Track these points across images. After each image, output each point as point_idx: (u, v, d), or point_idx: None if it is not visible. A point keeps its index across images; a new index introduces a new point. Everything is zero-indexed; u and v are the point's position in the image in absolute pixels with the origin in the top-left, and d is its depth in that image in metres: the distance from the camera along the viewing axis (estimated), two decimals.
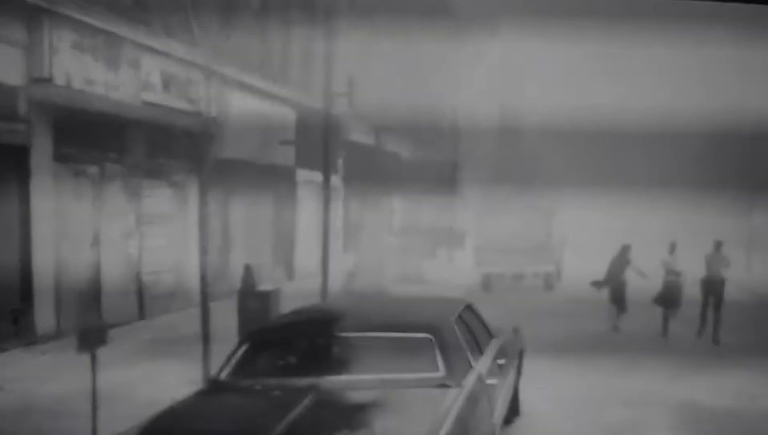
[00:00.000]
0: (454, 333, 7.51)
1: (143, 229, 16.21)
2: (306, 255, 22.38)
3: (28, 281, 13.34)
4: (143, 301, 16.20)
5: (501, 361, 8.58)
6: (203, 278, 11.96)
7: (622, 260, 16.74)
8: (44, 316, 13.56)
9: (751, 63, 24.83)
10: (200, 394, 7.11)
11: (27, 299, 13.30)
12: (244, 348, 7.32)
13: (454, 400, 6.48)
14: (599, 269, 17.09)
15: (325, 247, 17.66)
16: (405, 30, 24.76)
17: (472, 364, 7.42)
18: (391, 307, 8.59)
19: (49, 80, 13.20)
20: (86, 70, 14.06)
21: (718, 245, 15.85)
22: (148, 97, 15.87)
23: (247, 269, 13.30)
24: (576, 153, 25.47)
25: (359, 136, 26.02)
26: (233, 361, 7.23)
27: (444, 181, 28.32)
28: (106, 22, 14.44)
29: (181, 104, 16.73)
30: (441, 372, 6.92)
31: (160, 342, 14.33)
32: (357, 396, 6.63)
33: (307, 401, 6.36)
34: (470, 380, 7.03)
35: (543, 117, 24.88)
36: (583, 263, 22.28)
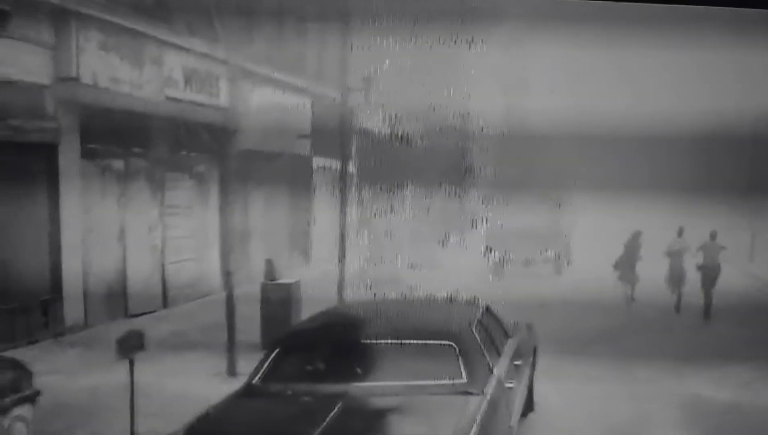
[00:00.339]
0: (475, 339, 7.90)
1: (166, 220, 16.64)
2: (321, 241, 22.83)
3: (58, 274, 13.80)
4: (166, 290, 16.65)
5: (517, 362, 8.99)
6: (228, 274, 12.35)
7: (634, 244, 18.91)
8: (73, 308, 14.04)
9: (758, 67, 25.11)
10: (234, 399, 7.50)
11: (56, 291, 13.76)
12: (274, 353, 7.74)
13: (477, 407, 6.87)
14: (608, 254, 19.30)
15: (342, 235, 18.13)
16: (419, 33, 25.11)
17: (492, 368, 7.82)
18: (412, 311, 8.96)
19: (76, 79, 13.59)
20: (112, 68, 14.44)
21: (714, 235, 17.62)
22: (171, 92, 16.24)
23: (269, 263, 13.70)
24: (583, 154, 25.75)
25: (373, 123, 26.32)
26: (265, 366, 7.65)
27: (455, 166, 28.63)
28: (131, 20, 14.79)
29: (203, 98, 17.16)
30: (463, 379, 7.31)
31: (184, 333, 14.78)
32: (384, 403, 7.05)
33: (337, 409, 6.78)
34: (491, 386, 7.43)
35: (550, 119, 25.11)
36: (592, 248, 22.96)
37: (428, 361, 7.55)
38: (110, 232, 15.14)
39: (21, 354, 12.68)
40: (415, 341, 7.71)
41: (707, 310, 17.20)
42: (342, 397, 7.02)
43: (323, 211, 23.20)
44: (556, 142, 26.43)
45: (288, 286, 13.54)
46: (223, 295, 18.03)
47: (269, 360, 7.68)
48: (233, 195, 18.61)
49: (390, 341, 7.71)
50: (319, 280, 18.32)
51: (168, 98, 16.22)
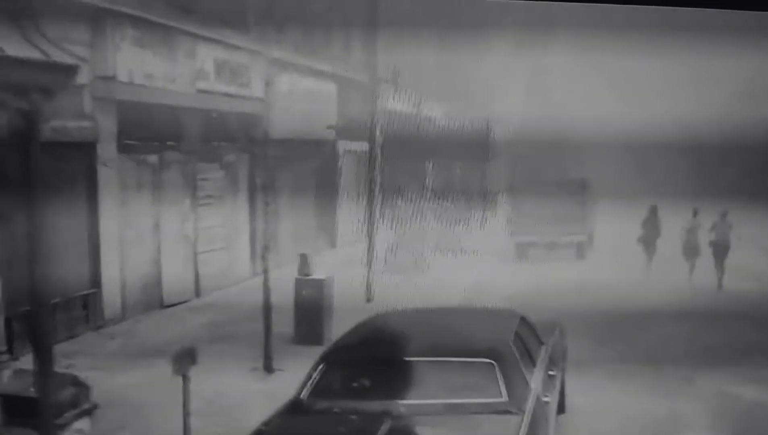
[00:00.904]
0: (514, 356, 8.14)
1: (198, 211, 16.95)
2: (347, 222, 23.12)
3: (97, 268, 14.15)
4: (198, 279, 17.00)
5: (552, 372, 9.25)
6: (264, 272, 12.59)
7: (652, 218, 21.58)
8: (111, 301, 14.41)
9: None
10: (284, 416, 7.76)
11: (96, 285, 14.12)
12: (319, 368, 8.03)
13: (517, 428, 7.14)
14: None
15: (370, 219, 18.44)
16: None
17: (530, 384, 8.08)
18: (450, 324, 9.20)
19: (113, 78, 13.82)
20: (146, 64, 14.66)
21: (724, 214, 20.00)
22: (203, 85, 16.46)
23: (303, 258, 13.96)
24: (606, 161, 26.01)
25: (397, 104, 26.47)
26: (311, 382, 7.94)
27: (478, 145, 28.83)
28: (164, 16, 14.98)
29: (233, 89, 17.38)
30: (503, 398, 7.56)
31: (218, 324, 15.11)
32: (427, 423, 7.33)
33: (384, 428, 7.08)
34: (530, 404, 7.69)
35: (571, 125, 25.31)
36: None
37: (468, 379, 7.79)
38: (145, 224, 15.46)
39: (63, 348, 13.17)
40: (455, 359, 7.96)
41: (720, 281, 19.65)
42: (388, 415, 7.28)
43: (349, 195, 23.47)
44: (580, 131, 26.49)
45: (321, 281, 13.82)
46: (252, 281, 18.49)
47: (315, 375, 7.97)
48: (262, 182, 18.91)
49: (431, 359, 7.97)
50: (344, 261, 18.71)
51: (199, 90, 16.44)
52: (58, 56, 7.31)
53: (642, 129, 22.92)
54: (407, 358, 7.98)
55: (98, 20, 13.66)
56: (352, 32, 22.57)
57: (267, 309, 12.61)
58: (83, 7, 13.39)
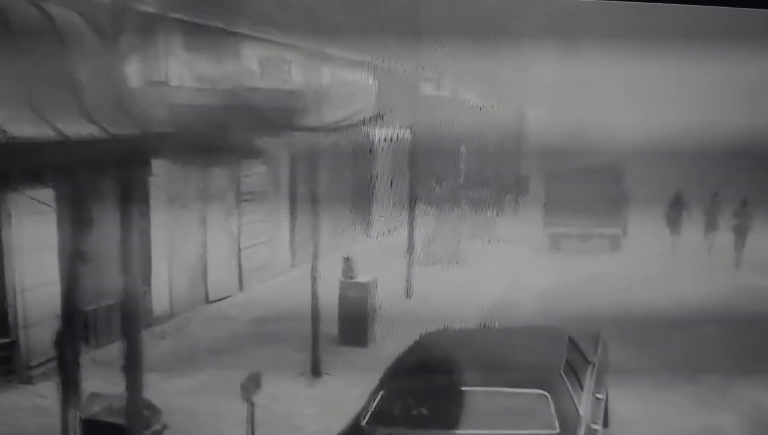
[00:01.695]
0: (565, 386, 8.43)
1: (242, 206, 17.27)
2: (382, 210, 23.40)
3: (148, 266, 14.52)
4: (241, 274, 17.36)
5: (599, 395, 9.53)
6: (313, 279, 12.88)
7: (677, 202, 23.66)
8: (160, 298, 14.79)
9: None
10: None
11: (146, 283, 14.49)
12: (379, 396, 8.36)
13: None
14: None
15: (411, 208, 18.75)
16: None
17: (580, 412, 8.37)
18: (503, 349, 9.45)
19: (165, 82, 14.09)
20: (195, 66, 14.90)
21: (744, 202, 21.86)
22: (248, 82, 16.70)
23: (348, 262, 14.27)
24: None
25: (431, 88, 26.60)
26: (371, 409, 8.28)
27: (511, 129, 28.96)
28: (211, 18, 15.19)
29: (276, 84, 17.62)
30: (556, 429, 7.87)
31: (262, 321, 15.46)
32: None
33: None
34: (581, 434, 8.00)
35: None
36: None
37: (522, 409, 8.11)
38: (192, 221, 15.80)
39: (115, 348, 13.57)
40: (509, 389, 8.25)
41: (738, 260, 21.60)
42: None
43: (383, 183, 23.73)
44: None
45: (365, 285, 14.13)
46: (291, 273, 18.86)
47: (374, 402, 8.30)
48: (300, 173, 19.24)
49: (486, 389, 8.27)
50: (382, 255, 18.99)
51: (245, 88, 16.68)
52: (156, 129, 7.60)
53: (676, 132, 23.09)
54: (463, 388, 8.28)
55: (149, 25, 13.88)
56: (391, 22, 22.66)
57: (315, 314, 12.91)
58: (134, 12, 13.62)
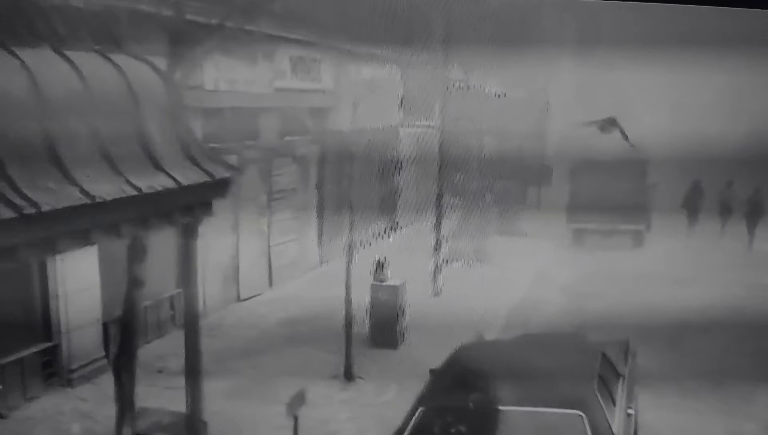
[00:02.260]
0: (600, 405, 8.63)
1: (273, 205, 17.52)
2: (407, 204, 23.62)
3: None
4: (271, 271, 17.64)
5: (630, 410, 9.74)
6: (347, 288, 13.09)
7: (694, 191, 25.29)
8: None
9: None
10: None
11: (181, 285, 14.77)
12: (418, 413, 8.60)
13: None
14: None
15: (438, 205, 18.98)
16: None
17: (614, 430, 8.58)
18: (537, 364, 9.63)
19: (200, 87, 14.31)
20: (229, 70, 15.11)
21: (757, 190, 23.96)
22: (279, 83, 16.91)
23: (379, 264, 14.49)
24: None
25: (458, 82, 26.69)
26: (411, 427, 8.52)
27: (533, 119, 29.13)
28: (245, 21, 15.35)
29: (307, 84, 17.81)
30: None
31: (294, 321, 15.73)
32: None
33: None
34: None
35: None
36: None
37: (557, 427, 8.33)
38: (225, 221, 16.06)
39: (155, 349, 13.91)
40: (545, 410, 8.47)
41: (750, 243, 23.69)
42: None
43: (409, 174, 23.90)
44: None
45: (395, 288, 14.35)
46: (319, 270, 19.12)
47: (413, 420, 8.54)
48: (329, 172, 19.48)
49: (522, 409, 8.49)
50: (407, 250, 19.19)
51: (277, 89, 16.89)
52: (219, 173, 7.81)
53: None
54: (499, 407, 8.51)
55: (185, 31, 14.06)
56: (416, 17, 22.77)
57: (349, 320, 13.15)
58: (169, 20, 13.82)
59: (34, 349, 11.73)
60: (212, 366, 13.25)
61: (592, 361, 9.57)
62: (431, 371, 9.96)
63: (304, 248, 18.91)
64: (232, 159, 15.93)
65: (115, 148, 6.42)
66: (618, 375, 10.04)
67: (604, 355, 9.93)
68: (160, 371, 12.70)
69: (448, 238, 21.18)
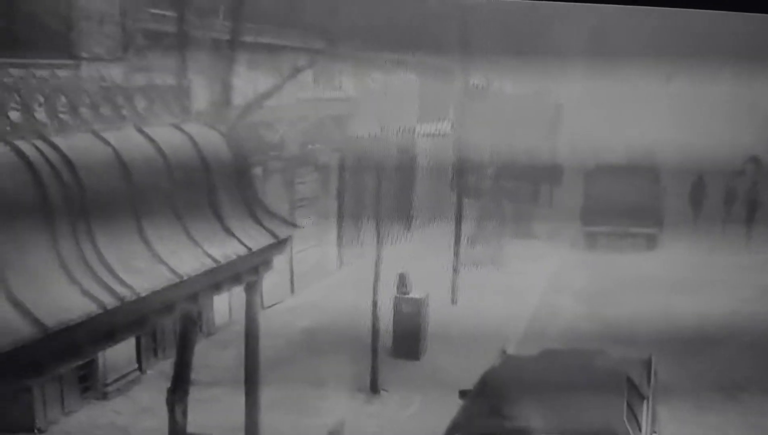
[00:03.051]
0: (628, 433, 8.95)
1: (295, 213, 17.78)
2: (423, 204, 23.88)
3: None
4: (293, 278, 17.93)
5: (655, 434, 10.05)
6: (374, 305, 13.37)
7: (699, 186, 25.66)
8: (220, 308, 15.38)
9: None
10: None
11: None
12: None
13: None
14: None
15: (459, 201, 19.24)
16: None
17: None
18: (565, 389, 9.90)
19: (229, 102, 14.54)
20: (255, 84, 15.35)
21: (755, 182, 24.75)
22: (302, 94, 17.15)
23: (402, 278, 14.76)
24: None
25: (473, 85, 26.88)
26: None
27: (547, 119, 29.27)
28: (271, 36, 15.61)
29: (328, 93, 18.05)
30: None
31: (317, 331, 15.99)
32: None
33: None
34: None
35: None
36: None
37: None
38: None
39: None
40: None
41: (748, 233, 23.90)
42: None
43: (426, 174, 24.18)
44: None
45: (419, 300, 14.64)
46: (340, 274, 19.39)
47: None
48: (348, 177, 19.73)
49: None
50: (423, 255, 19.44)
51: (299, 100, 17.13)
52: (281, 231, 8.08)
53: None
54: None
55: (214, 48, 14.31)
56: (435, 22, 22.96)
57: (375, 335, 13.43)
58: (198, 37, 14.07)
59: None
60: (240, 376, 13.63)
61: (619, 387, 9.82)
62: (461, 393, 10.25)
63: (325, 253, 19.19)
64: (257, 170, 16.31)
65: (191, 219, 6.69)
66: (642, 398, 10.30)
67: (629, 380, 10.19)
68: (191, 383, 12.96)
69: (465, 244, 21.45)
